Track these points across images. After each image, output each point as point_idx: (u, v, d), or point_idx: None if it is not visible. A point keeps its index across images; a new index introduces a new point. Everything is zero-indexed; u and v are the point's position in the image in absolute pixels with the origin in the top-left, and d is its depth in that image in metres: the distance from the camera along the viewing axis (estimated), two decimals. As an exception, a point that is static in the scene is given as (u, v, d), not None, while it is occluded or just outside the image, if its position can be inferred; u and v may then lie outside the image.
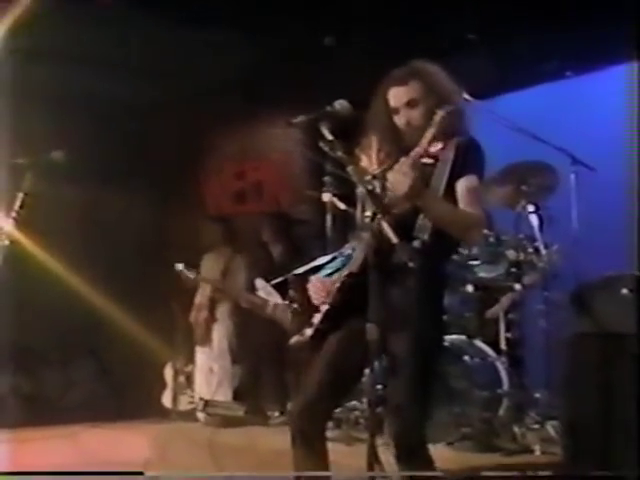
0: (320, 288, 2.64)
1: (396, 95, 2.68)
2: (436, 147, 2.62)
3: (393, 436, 2.56)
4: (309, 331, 2.61)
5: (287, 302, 5.26)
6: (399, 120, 2.68)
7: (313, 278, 2.68)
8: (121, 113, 6.47)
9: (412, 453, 2.52)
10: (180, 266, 5.46)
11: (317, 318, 2.60)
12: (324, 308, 2.59)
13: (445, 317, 2.87)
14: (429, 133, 2.58)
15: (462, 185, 2.58)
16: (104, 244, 6.62)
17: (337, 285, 2.56)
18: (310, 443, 2.58)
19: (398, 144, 2.68)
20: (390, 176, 2.49)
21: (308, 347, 2.64)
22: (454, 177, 2.57)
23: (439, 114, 2.59)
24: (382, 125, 2.70)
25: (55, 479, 2.95)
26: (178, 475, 3.58)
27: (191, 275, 5.49)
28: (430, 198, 2.52)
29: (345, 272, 2.56)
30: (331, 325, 2.59)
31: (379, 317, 2.38)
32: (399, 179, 2.46)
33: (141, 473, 2.41)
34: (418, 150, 2.57)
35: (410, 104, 2.66)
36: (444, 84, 2.70)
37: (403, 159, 2.54)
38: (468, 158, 2.60)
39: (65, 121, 5.92)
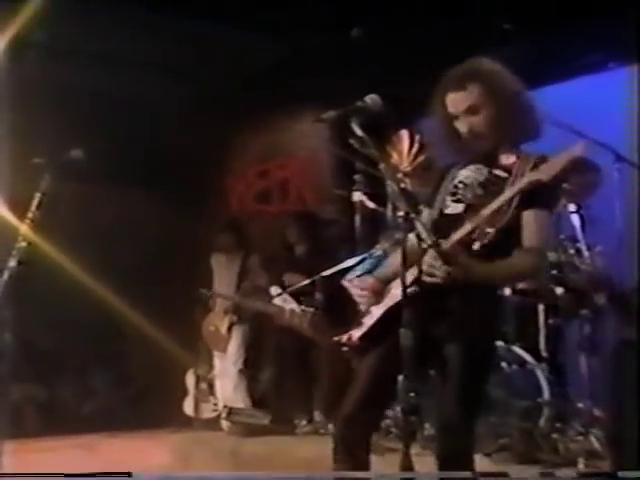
0: (363, 287, 2.62)
1: (454, 101, 2.58)
2: (509, 159, 2.52)
3: (439, 450, 2.54)
4: (357, 333, 2.58)
5: (303, 308, 5.36)
6: (461, 127, 2.59)
7: (350, 278, 2.66)
8: (142, 112, 6.51)
9: (459, 467, 2.49)
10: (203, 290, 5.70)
11: (368, 321, 2.58)
12: (377, 312, 2.56)
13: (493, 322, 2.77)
14: (561, 162, 2.34)
15: (531, 217, 2.45)
16: (124, 247, 6.66)
17: (395, 290, 2.51)
18: (353, 453, 2.56)
19: (460, 151, 2.63)
20: (427, 258, 2.37)
21: (355, 351, 2.62)
22: (524, 204, 2.42)
23: (580, 145, 2.37)
24: (443, 130, 2.63)
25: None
26: (165, 476, 3.58)
27: (207, 293, 5.71)
28: (475, 271, 2.40)
29: (409, 279, 2.44)
30: (382, 331, 2.54)
31: (415, 323, 2.35)
32: (435, 263, 2.35)
33: (129, 474, 2.43)
34: (541, 177, 2.36)
35: (470, 110, 2.56)
36: (507, 85, 2.57)
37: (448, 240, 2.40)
38: (546, 188, 2.40)
39: (84, 120, 5.97)
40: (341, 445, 2.56)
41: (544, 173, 2.36)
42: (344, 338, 2.61)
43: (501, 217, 2.38)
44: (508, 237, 2.43)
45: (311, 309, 5.35)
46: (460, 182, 2.60)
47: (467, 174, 2.60)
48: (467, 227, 2.42)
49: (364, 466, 2.58)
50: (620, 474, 2.62)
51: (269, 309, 5.42)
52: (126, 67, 6.10)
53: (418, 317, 2.36)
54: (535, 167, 2.44)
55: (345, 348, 2.62)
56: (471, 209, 2.49)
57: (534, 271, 2.59)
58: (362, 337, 2.57)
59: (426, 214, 2.62)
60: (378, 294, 2.61)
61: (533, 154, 2.55)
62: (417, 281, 2.39)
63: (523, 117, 2.56)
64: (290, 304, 5.40)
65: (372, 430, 2.70)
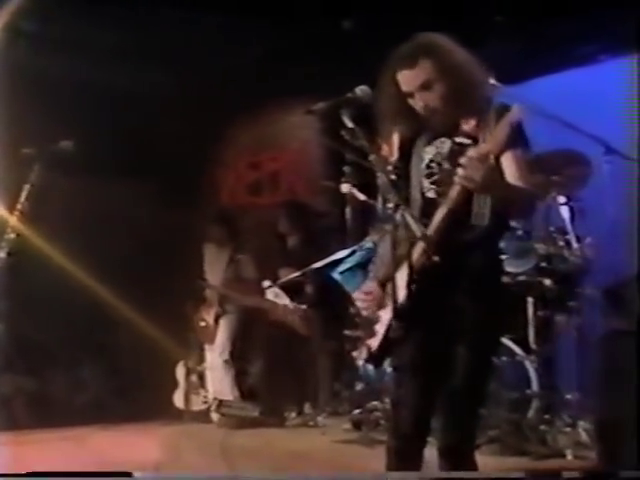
0: (365, 293, 2.62)
1: (406, 79, 2.56)
2: (469, 125, 2.53)
3: (444, 442, 2.54)
4: (375, 342, 2.56)
5: (296, 304, 5.37)
6: (416, 104, 2.57)
7: (357, 292, 2.65)
8: (132, 102, 6.51)
9: (462, 460, 2.52)
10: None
11: (381, 328, 2.55)
12: (386, 316, 2.53)
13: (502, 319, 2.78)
14: (501, 131, 2.40)
15: (508, 160, 2.49)
16: (114, 239, 6.67)
17: (404, 292, 2.48)
18: (408, 465, 2.54)
19: (418, 128, 2.62)
20: (460, 170, 2.38)
21: (376, 361, 2.61)
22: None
23: (514, 111, 2.40)
24: (396, 110, 2.60)
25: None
26: (167, 476, 3.61)
27: (204, 284, 5.82)
28: (500, 184, 2.44)
29: (401, 279, 2.46)
30: (401, 333, 2.47)
31: (409, 316, 2.39)
32: (470, 172, 2.36)
33: (130, 474, 2.45)
34: (485, 147, 2.42)
35: (424, 86, 2.54)
36: (460, 58, 2.56)
37: (470, 152, 2.41)
38: (510, 130, 2.42)
39: (73, 111, 5.96)
40: (395, 457, 2.55)
41: (490, 144, 2.41)
42: (364, 352, 2.59)
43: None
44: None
45: (303, 305, 5.39)
46: (431, 161, 2.59)
47: (434, 151, 2.59)
48: (442, 210, 2.46)
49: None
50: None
51: (262, 304, 5.45)
52: (117, 58, 6.08)
53: (428, 317, 2.39)
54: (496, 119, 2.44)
55: (367, 361, 2.61)
56: (447, 187, 2.49)
57: (531, 196, 2.60)
58: (380, 346, 2.55)
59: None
60: (380, 297, 2.59)
61: (492, 110, 2.51)
62: (415, 279, 2.41)
63: (476, 90, 2.55)
64: (283, 299, 5.44)
65: (426, 440, 2.62)
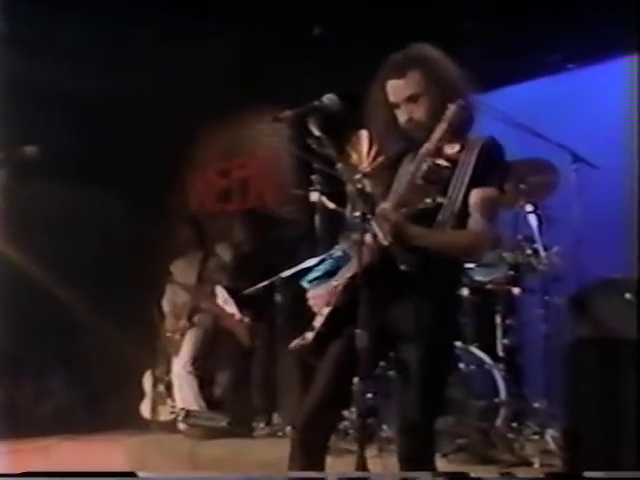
0: (320, 298, 2.63)
1: (394, 89, 2.59)
2: (453, 149, 2.52)
3: (402, 450, 2.57)
4: (310, 334, 2.60)
5: (244, 314, 5.40)
6: (401, 116, 2.61)
7: (312, 290, 2.67)
8: (99, 107, 6.48)
9: (421, 467, 2.53)
10: None
11: (319, 321, 2.60)
12: (325, 311, 2.58)
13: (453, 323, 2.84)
14: (440, 129, 2.49)
15: (478, 195, 2.51)
16: (82, 245, 6.62)
17: (339, 287, 2.55)
18: (311, 455, 2.58)
19: (400, 142, 2.65)
20: (374, 222, 2.42)
21: (309, 351, 2.63)
22: (472, 185, 2.50)
23: (451, 108, 2.49)
24: (382, 121, 2.63)
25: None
26: (174, 477, 3.62)
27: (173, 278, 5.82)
28: (417, 234, 2.47)
29: (348, 274, 2.54)
30: (334, 329, 2.57)
31: (370, 323, 2.40)
32: (381, 222, 2.40)
33: (134, 474, 2.46)
34: (428, 147, 2.49)
35: (411, 99, 2.57)
36: (449, 73, 2.59)
37: (382, 205, 2.47)
38: (490, 165, 2.52)
39: (39, 115, 5.92)
40: (299, 447, 2.58)
41: (430, 144, 2.47)
42: (297, 341, 2.63)
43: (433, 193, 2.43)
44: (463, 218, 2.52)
45: (248, 318, 5.42)
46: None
47: (413, 168, 2.55)
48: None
49: (320, 468, 2.60)
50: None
51: (215, 309, 5.48)
52: (84, 60, 6.05)
53: (372, 316, 2.40)
54: (481, 151, 2.50)
55: (300, 350, 2.63)
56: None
57: (475, 243, 2.59)
58: (315, 338, 2.59)
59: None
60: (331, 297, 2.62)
61: (478, 138, 2.57)
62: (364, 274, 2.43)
63: (464, 108, 2.55)
64: (231, 307, 5.46)
65: (330, 432, 2.72)
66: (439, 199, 2.45)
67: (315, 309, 2.63)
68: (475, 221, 2.52)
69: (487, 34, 5.21)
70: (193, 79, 6.24)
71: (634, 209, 4.67)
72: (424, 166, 2.52)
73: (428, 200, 2.42)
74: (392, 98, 2.61)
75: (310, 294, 2.66)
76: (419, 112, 2.58)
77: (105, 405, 6.27)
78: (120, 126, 6.68)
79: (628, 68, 5.01)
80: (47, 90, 6.12)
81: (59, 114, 6.21)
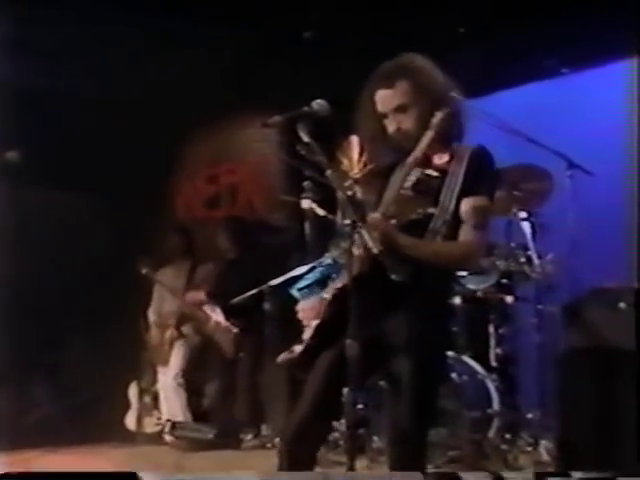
0: (310, 311, 2.60)
1: (383, 99, 2.60)
2: (442, 159, 2.56)
3: (394, 461, 2.56)
4: (299, 347, 2.58)
5: (232, 323, 5.37)
6: (389, 126, 2.62)
7: (301, 303, 2.64)
8: (84, 111, 6.44)
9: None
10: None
11: (307, 334, 2.57)
12: (314, 323, 2.56)
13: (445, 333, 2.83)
14: (427, 137, 2.52)
15: (469, 204, 2.51)
16: (65, 253, 6.56)
17: (328, 299, 2.53)
18: (299, 467, 2.53)
19: (389, 151, 2.64)
20: (365, 230, 2.39)
21: (298, 365, 2.61)
22: (462, 194, 2.51)
23: (438, 116, 2.52)
24: (371, 131, 2.63)
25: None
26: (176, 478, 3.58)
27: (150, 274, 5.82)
28: (408, 245, 2.46)
29: (337, 285, 2.52)
30: (323, 342, 2.55)
31: (360, 333, 2.36)
32: (371, 233, 2.37)
33: (134, 474, 2.43)
34: (416, 154, 2.51)
35: (400, 109, 2.58)
36: (437, 82, 2.60)
37: (372, 214, 2.45)
38: (480, 174, 2.53)
39: (22, 119, 5.87)
40: (287, 459, 2.55)
41: (417, 151, 2.50)
42: (285, 354, 2.61)
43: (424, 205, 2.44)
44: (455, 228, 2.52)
45: (235, 327, 5.39)
46: (401, 187, 2.57)
47: (404, 177, 2.57)
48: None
49: None
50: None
51: (197, 314, 5.42)
52: (70, 63, 6.01)
53: (363, 326, 2.37)
54: (470, 160, 2.52)
55: (288, 364, 2.61)
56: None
57: (468, 253, 2.59)
58: (304, 351, 2.56)
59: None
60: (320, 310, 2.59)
61: (467, 147, 2.58)
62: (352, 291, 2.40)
63: (450, 120, 2.57)
64: (217, 315, 5.44)
65: (319, 444, 2.69)
66: (430, 209, 2.46)
67: (304, 322, 2.61)
68: (466, 231, 2.53)
69: (481, 38, 5.20)
70: (181, 83, 6.21)
71: (632, 216, 4.65)
72: (413, 176, 2.54)
73: (419, 210, 2.43)
74: (381, 108, 2.62)
75: (299, 307, 2.64)
76: (407, 122, 2.59)
77: (89, 417, 6.19)
78: (105, 131, 6.64)
79: (623, 73, 5.01)
80: (29, 93, 6.07)
81: (42, 118, 6.16)
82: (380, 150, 2.64)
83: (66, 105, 6.26)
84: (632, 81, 4.82)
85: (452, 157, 2.55)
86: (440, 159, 2.56)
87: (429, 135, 2.52)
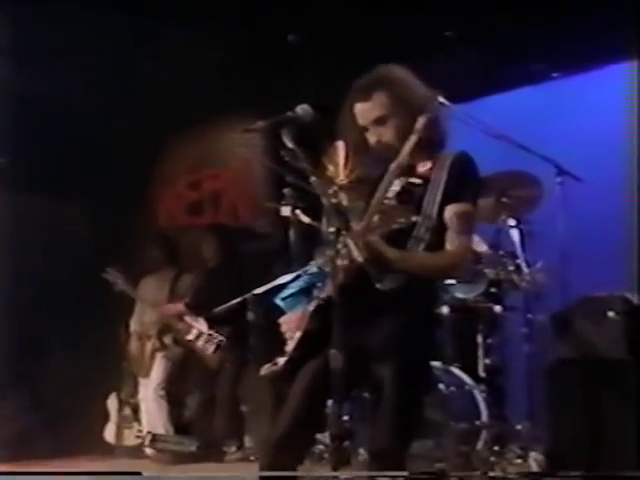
0: (293, 322, 2.60)
1: (362, 112, 2.61)
2: (425, 166, 2.56)
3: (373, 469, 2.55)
4: (282, 360, 2.57)
5: (212, 333, 5.35)
6: (370, 138, 2.62)
7: (285, 316, 2.65)
8: (63, 117, 6.39)
9: None
10: (120, 283, 5.68)
11: (290, 346, 2.57)
12: (297, 335, 2.55)
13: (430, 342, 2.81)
14: (410, 142, 2.52)
15: (452, 211, 2.51)
16: (40, 259, 6.51)
17: (311, 310, 2.53)
18: None
19: (373, 162, 2.63)
20: (349, 242, 2.38)
21: (281, 378, 2.60)
22: (445, 201, 2.51)
23: (421, 121, 2.53)
24: (353, 143, 2.60)
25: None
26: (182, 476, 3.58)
27: (130, 293, 5.73)
28: (393, 257, 2.43)
29: (321, 295, 2.52)
30: (306, 353, 2.54)
31: (344, 343, 2.33)
32: (356, 242, 2.36)
33: (139, 473, 2.41)
34: (399, 161, 2.52)
35: (379, 121, 2.59)
36: (415, 92, 2.61)
37: (356, 226, 2.43)
38: (463, 180, 2.54)
39: (5, 125, 5.82)
40: (269, 471, 2.54)
41: (400, 157, 2.51)
42: (269, 366, 2.60)
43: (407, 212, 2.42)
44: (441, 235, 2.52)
45: (220, 336, 5.36)
46: (385, 197, 2.58)
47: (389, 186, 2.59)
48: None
49: None
50: None
51: (176, 324, 5.42)
52: (48, 67, 5.97)
53: (347, 337, 2.34)
54: (452, 166, 2.52)
55: (271, 376, 2.60)
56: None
57: (449, 269, 2.61)
58: (287, 363, 2.56)
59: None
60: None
61: (449, 154, 2.58)
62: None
63: (432, 127, 2.58)
64: (200, 325, 5.41)
65: (302, 457, 2.67)
66: (413, 218, 2.44)
67: (288, 335, 2.60)
68: (451, 239, 2.53)
69: (469, 42, 5.20)
70: (163, 87, 6.18)
71: (624, 224, 4.65)
72: (397, 186, 2.55)
73: (402, 220, 2.41)
74: (361, 121, 2.63)
75: (282, 319, 2.64)
76: (387, 134, 2.61)
77: (66, 429, 6.13)
78: (83, 135, 6.60)
79: (614, 78, 5.02)
80: (10, 99, 6.03)
81: (22, 126, 6.11)
82: (364, 162, 2.62)
83: (45, 112, 6.22)
84: (627, 86, 4.84)
85: (434, 164, 2.56)
86: (422, 167, 2.57)
87: (412, 139, 2.52)
